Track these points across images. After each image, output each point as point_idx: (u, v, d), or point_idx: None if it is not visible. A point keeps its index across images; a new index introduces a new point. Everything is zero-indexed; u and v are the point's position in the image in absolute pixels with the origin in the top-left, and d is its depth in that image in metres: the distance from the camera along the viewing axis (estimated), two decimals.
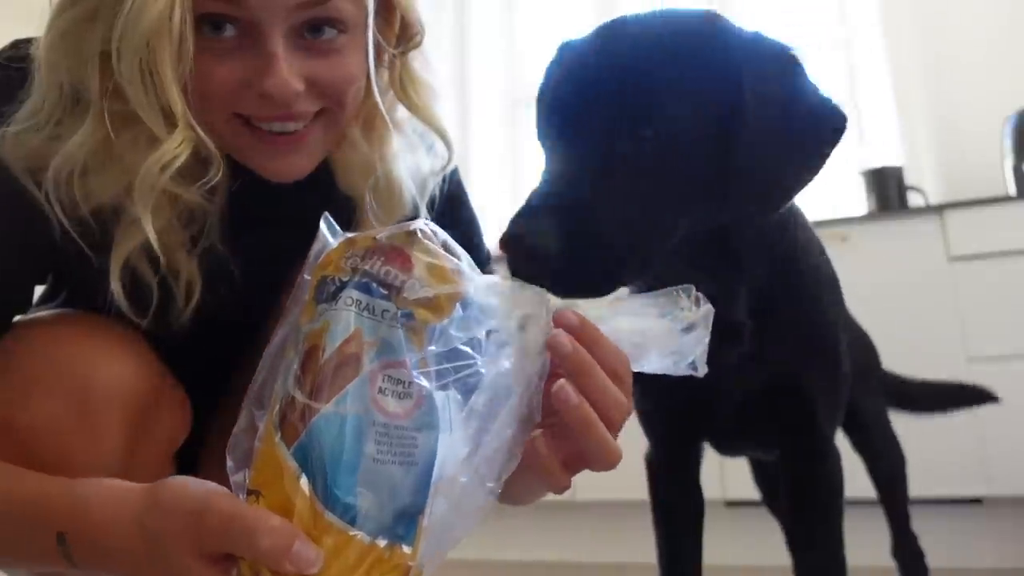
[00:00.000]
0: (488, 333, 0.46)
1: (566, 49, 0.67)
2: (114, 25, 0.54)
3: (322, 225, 0.51)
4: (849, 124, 0.63)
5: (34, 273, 0.68)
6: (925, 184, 2.32)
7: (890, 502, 1.18)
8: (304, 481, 0.42)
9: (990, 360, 1.83)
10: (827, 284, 0.78)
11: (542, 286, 0.50)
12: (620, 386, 0.46)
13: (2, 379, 0.60)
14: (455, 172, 0.82)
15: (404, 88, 0.69)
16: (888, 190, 2.23)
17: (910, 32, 2.47)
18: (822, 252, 0.79)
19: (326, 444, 0.43)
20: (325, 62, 0.60)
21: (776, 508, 1.15)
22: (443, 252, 0.48)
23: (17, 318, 0.66)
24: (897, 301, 1.87)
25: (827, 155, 0.62)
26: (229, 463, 0.46)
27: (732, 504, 1.95)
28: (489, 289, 0.47)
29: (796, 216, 0.74)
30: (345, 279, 0.46)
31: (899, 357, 1.21)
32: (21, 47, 0.63)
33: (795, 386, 0.75)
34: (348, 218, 0.72)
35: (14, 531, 0.54)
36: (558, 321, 0.46)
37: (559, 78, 0.63)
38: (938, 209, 1.97)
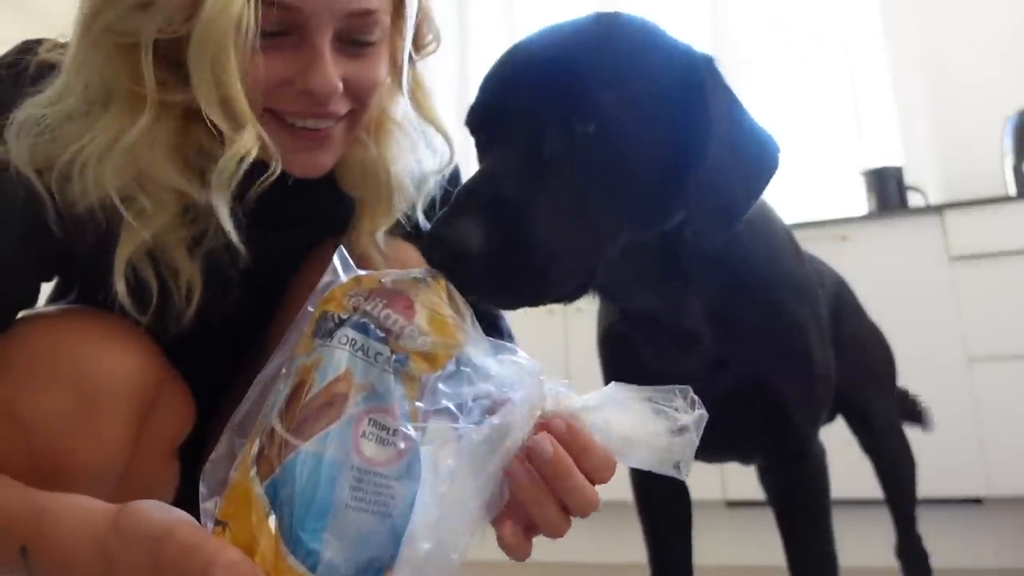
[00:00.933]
0: (475, 398, 0.44)
1: (509, 50, 0.65)
2: (172, 17, 0.55)
3: (335, 258, 0.50)
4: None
5: (39, 268, 0.68)
6: (925, 184, 2.32)
7: (897, 504, 1.18)
8: (272, 519, 0.41)
9: (990, 360, 1.83)
10: (794, 286, 0.77)
11: (463, 289, 0.49)
12: (598, 482, 0.45)
13: (5, 372, 0.60)
14: (458, 176, 0.82)
15: (412, 92, 0.71)
16: (888, 190, 2.23)
17: (910, 32, 2.47)
18: (791, 252, 0.78)
19: (299, 484, 0.41)
20: (358, 64, 0.63)
21: None
22: (447, 305, 0.47)
23: (22, 313, 0.66)
24: (897, 301, 1.87)
25: (769, 181, 0.62)
26: (202, 489, 0.45)
27: (732, 504, 1.96)
28: (487, 351, 0.46)
29: (751, 223, 0.72)
30: (344, 317, 0.46)
31: (899, 357, 1.21)
32: (32, 47, 0.64)
33: (765, 389, 0.74)
34: (347, 216, 0.73)
35: None
36: (546, 426, 0.44)
37: (492, 74, 0.61)
38: (938, 209, 1.97)
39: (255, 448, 0.44)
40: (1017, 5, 2.36)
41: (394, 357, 0.44)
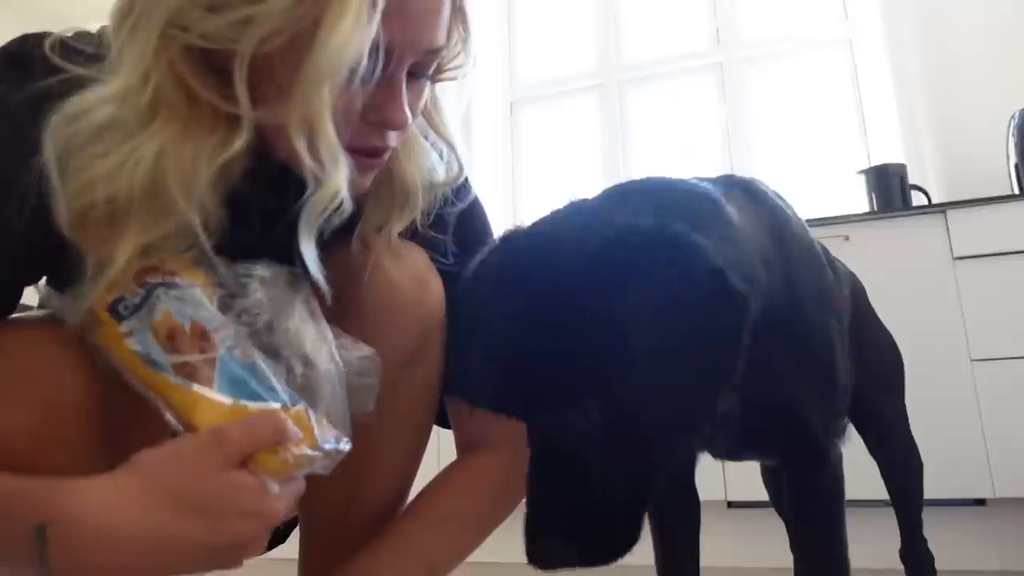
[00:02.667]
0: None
1: (487, 293, 0.64)
2: (280, 29, 0.51)
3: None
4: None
5: (22, 265, 0.64)
6: (928, 183, 2.31)
7: (903, 506, 1.17)
8: (216, 393, 0.54)
9: (993, 361, 1.83)
10: (821, 301, 0.77)
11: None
12: None
13: None
14: (479, 210, 0.82)
15: (428, 110, 0.71)
16: (891, 189, 2.23)
17: (912, 30, 2.46)
18: (818, 266, 0.78)
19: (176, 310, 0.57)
20: (413, 93, 0.63)
21: (782, 510, 1.16)
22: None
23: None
24: (899, 301, 1.86)
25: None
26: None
27: (733, 505, 1.95)
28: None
29: (783, 243, 0.72)
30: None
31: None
32: (29, 40, 0.61)
33: (788, 401, 0.75)
34: (351, 220, 0.71)
35: None
36: None
37: (488, 351, 0.61)
38: (941, 208, 1.96)
39: (168, 375, 0.56)
40: (1020, 3, 2.35)
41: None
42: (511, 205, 3.04)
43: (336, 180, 0.56)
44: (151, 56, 0.55)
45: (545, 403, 0.58)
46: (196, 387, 0.54)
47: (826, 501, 0.81)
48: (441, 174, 0.75)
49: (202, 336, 0.57)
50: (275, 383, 0.57)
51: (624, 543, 0.60)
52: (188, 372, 0.55)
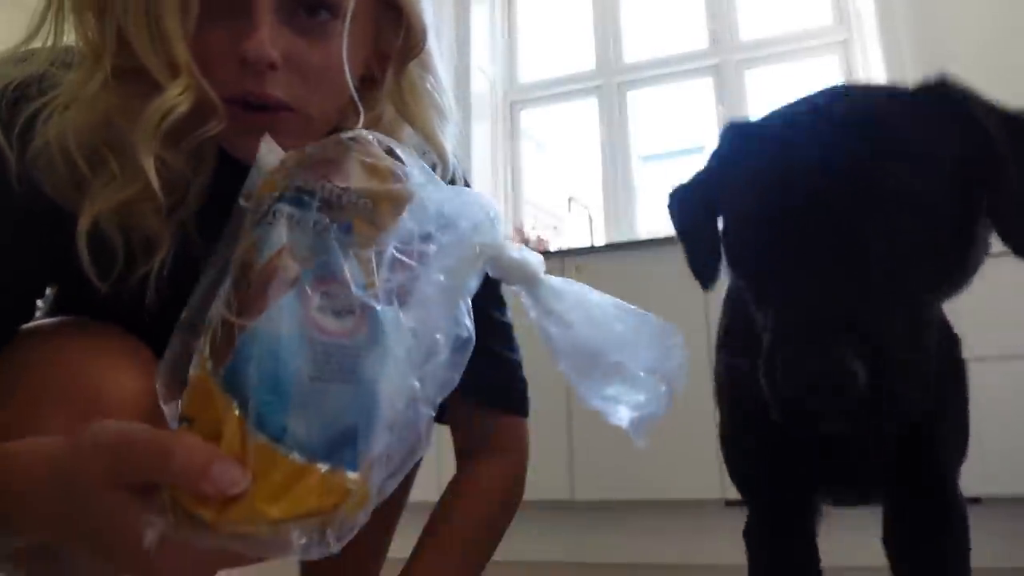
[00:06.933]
0: (430, 238, 0.42)
1: (762, 136, 0.59)
2: None
3: (261, 146, 0.47)
4: None
5: (40, 271, 0.66)
6: None
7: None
8: (235, 404, 0.39)
9: (990, 360, 1.84)
10: (957, 340, 0.72)
11: (836, 423, 0.48)
12: None
13: (6, 392, 0.59)
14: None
15: (402, 96, 0.68)
16: None
17: (907, 33, 2.47)
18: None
19: (255, 363, 0.39)
20: (310, 43, 0.58)
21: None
22: (383, 159, 0.44)
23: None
24: None
25: None
26: (160, 390, 0.43)
27: (732, 504, 1.95)
28: (437, 194, 0.43)
29: None
30: (276, 195, 0.43)
31: None
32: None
33: (924, 429, 0.66)
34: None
35: None
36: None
37: (784, 175, 0.55)
38: None
39: (207, 340, 0.42)
40: (1015, 5, 2.36)
41: (335, 225, 0.41)
42: (511, 205, 3.05)
43: (172, 92, 0.54)
44: (52, 19, 0.57)
45: (859, 222, 0.51)
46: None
47: (953, 552, 0.69)
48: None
49: None
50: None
51: (916, 390, 0.49)
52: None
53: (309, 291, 0.40)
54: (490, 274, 0.44)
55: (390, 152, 0.45)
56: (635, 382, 0.43)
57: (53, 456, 0.44)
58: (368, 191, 0.42)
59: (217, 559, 0.41)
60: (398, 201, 0.42)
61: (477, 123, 2.96)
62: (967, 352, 0.73)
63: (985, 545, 2.05)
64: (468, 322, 0.43)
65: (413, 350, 0.40)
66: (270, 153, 0.47)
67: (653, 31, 3.03)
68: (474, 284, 0.43)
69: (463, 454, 0.83)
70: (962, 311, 0.65)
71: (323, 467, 0.38)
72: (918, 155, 0.53)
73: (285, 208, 0.42)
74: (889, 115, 0.55)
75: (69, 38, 0.59)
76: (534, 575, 2.06)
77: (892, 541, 0.72)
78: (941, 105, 0.57)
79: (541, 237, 2.83)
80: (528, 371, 0.85)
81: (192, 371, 0.42)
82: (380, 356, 0.39)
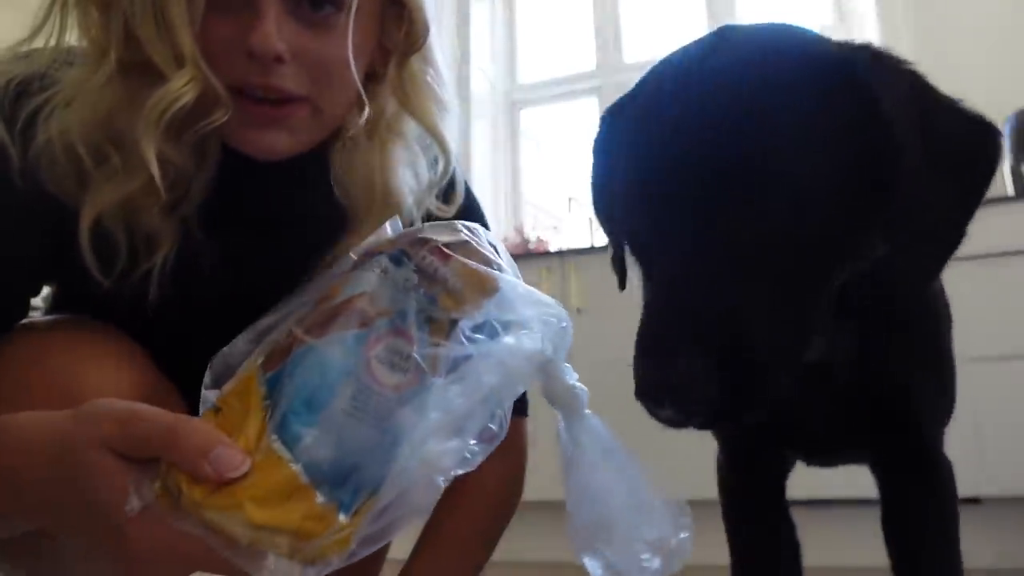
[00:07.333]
0: (504, 329, 0.44)
1: (642, 107, 0.54)
2: None
3: (386, 224, 0.52)
4: None
5: (39, 268, 0.66)
6: None
7: None
8: (265, 404, 0.41)
9: (989, 360, 1.83)
10: (940, 304, 0.69)
11: (695, 425, 0.46)
12: None
13: None
14: (453, 186, 0.79)
15: (403, 88, 0.68)
16: None
17: (906, 32, 2.47)
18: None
19: (302, 375, 0.41)
20: (316, 36, 0.58)
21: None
22: (485, 257, 0.47)
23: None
24: None
25: (989, 180, 0.53)
26: (206, 380, 0.45)
27: None
28: (522, 294, 0.46)
29: None
30: (383, 251, 0.47)
31: None
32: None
33: (899, 390, 0.64)
34: (337, 228, 0.70)
35: None
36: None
37: (647, 152, 0.50)
38: None
39: (268, 346, 0.45)
40: (1016, 4, 2.36)
41: (422, 291, 0.44)
42: (511, 205, 3.04)
43: (177, 83, 0.55)
44: (58, 13, 0.58)
45: (724, 197, 0.46)
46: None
47: (936, 518, 0.68)
48: (425, 173, 0.72)
49: None
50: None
51: (775, 388, 0.46)
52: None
53: (376, 337, 0.42)
54: (540, 384, 0.46)
55: (493, 247, 0.49)
56: (628, 550, 0.45)
57: (53, 421, 0.45)
58: (460, 272, 0.45)
59: (189, 555, 0.41)
60: (485, 288, 0.45)
61: (477, 123, 2.95)
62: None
63: (985, 545, 2.06)
64: (503, 419, 0.45)
65: (446, 423, 0.41)
66: (392, 225, 0.52)
67: (653, 31, 3.03)
68: (521, 388, 0.45)
69: None
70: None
71: (319, 496, 0.39)
72: (795, 135, 0.46)
73: (383, 261, 0.46)
74: (768, 87, 0.47)
75: (72, 36, 0.60)
76: (534, 575, 2.06)
77: (883, 511, 0.72)
78: (846, 78, 0.49)
79: (541, 237, 2.83)
80: None
81: (242, 369, 0.44)
82: (413, 419, 0.41)
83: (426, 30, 0.66)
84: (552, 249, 2.59)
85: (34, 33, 0.59)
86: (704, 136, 0.47)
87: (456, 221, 0.48)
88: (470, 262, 0.46)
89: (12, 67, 0.61)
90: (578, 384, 0.46)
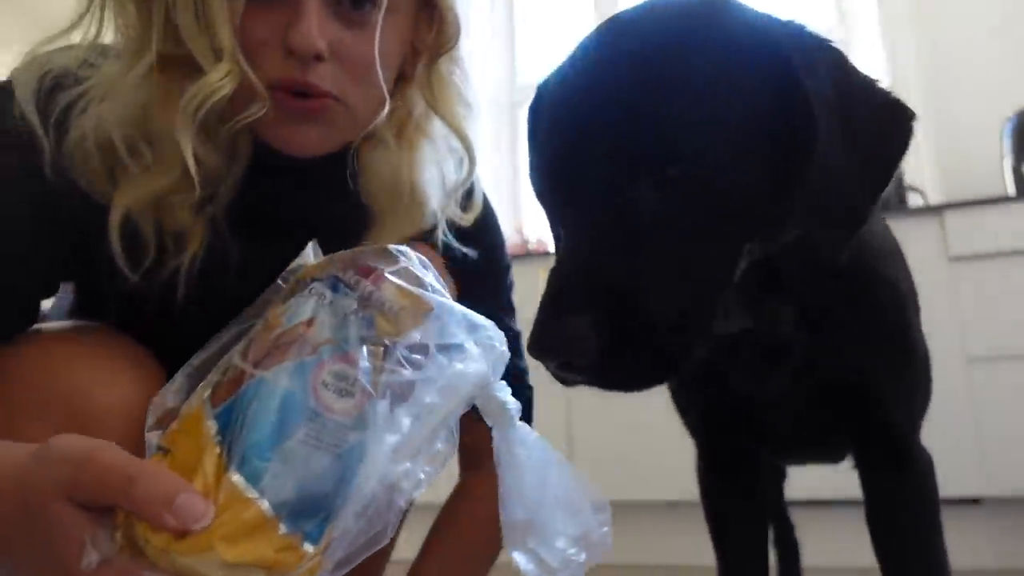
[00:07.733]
0: (444, 351, 0.45)
1: (550, 87, 0.55)
2: None
3: (309, 245, 0.52)
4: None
5: (62, 262, 0.65)
6: (924, 184, 2.32)
7: None
8: (218, 440, 0.40)
9: (989, 360, 1.84)
10: (890, 268, 0.68)
11: (585, 383, 0.48)
12: None
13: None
14: (496, 236, 0.81)
15: (432, 90, 0.68)
16: (887, 190, 2.23)
17: (908, 32, 2.47)
18: (884, 231, 0.70)
19: (253, 408, 0.41)
20: (354, 34, 0.59)
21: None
22: (419, 278, 0.48)
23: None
24: None
25: (897, 163, 0.54)
26: (148, 421, 0.44)
27: None
28: (459, 326, 0.47)
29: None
30: (318, 277, 0.48)
31: None
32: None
33: (860, 380, 0.64)
34: (361, 230, 0.70)
35: None
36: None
37: (549, 125, 0.52)
38: (937, 209, 1.97)
39: (212, 382, 0.44)
40: (1016, 4, 2.36)
41: (360, 316, 0.45)
42: (512, 205, 3.05)
43: (214, 76, 0.55)
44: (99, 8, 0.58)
45: (623, 167, 0.47)
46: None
47: (918, 504, 0.69)
48: (452, 173, 0.72)
49: None
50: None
51: (662, 363, 0.48)
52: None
53: (321, 364, 0.43)
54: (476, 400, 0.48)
55: (426, 269, 0.49)
56: (555, 545, 0.47)
57: (18, 461, 0.43)
58: (396, 294, 0.46)
59: None
60: (419, 310, 0.46)
61: (477, 123, 2.95)
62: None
63: (985, 545, 2.06)
64: (453, 438, 0.46)
65: (401, 446, 0.42)
66: (316, 251, 0.53)
67: None
68: (461, 410, 0.46)
69: (468, 458, 0.83)
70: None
71: (285, 527, 0.39)
72: (695, 107, 0.47)
73: (320, 288, 0.46)
74: (670, 60, 0.48)
75: (109, 32, 0.60)
76: None
77: (866, 510, 0.72)
78: (769, 54, 0.49)
79: (541, 238, 2.83)
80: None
81: (185, 407, 0.44)
82: (365, 442, 0.41)
83: (457, 30, 0.67)
84: (552, 249, 2.59)
85: (73, 24, 0.59)
86: (602, 109, 0.48)
87: (387, 245, 0.49)
88: (405, 284, 0.47)
89: (48, 60, 0.61)
90: (510, 399, 0.47)
